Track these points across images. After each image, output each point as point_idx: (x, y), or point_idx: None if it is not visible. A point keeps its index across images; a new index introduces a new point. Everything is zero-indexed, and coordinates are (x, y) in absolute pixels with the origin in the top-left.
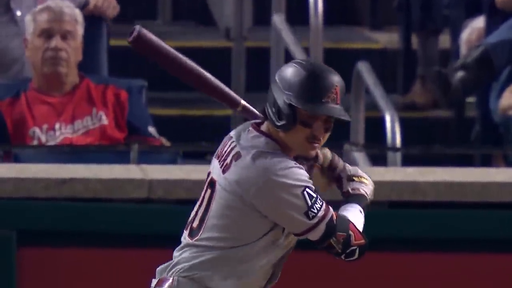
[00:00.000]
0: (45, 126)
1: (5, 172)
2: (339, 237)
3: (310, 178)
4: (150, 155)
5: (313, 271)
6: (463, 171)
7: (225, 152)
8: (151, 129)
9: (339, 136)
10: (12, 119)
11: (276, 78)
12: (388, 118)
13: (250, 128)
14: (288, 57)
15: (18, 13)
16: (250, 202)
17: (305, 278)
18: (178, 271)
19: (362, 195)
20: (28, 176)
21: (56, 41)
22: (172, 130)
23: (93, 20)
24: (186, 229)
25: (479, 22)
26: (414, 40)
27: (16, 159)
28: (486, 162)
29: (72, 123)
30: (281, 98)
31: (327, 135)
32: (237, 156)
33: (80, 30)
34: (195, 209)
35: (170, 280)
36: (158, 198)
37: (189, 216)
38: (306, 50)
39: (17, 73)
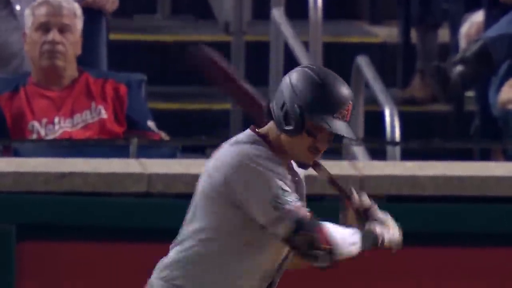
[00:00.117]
0: (44, 120)
1: (4, 166)
2: (303, 235)
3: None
4: (149, 149)
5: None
6: (462, 165)
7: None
8: (150, 123)
9: None
10: (11, 113)
11: (290, 80)
12: (387, 112)
13: (248, 129)
14: (288, 51)
15: (18, 7)
16: (223, 188)
17: (304, 274)
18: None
19: (372, 232)
20: (28, 170)
21: (53, 34)
22: (172, 124)
23: (92, 14)
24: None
25: (479, 16)
26: (414, 34)
27: (16, 153)
28: (485, 156)
29: (71, 117)
30: (292, 103)
31: (327, 146)
32: (220, 148)
33: (79, 24)
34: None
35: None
36: (158, 192)
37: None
38: (306, 44)
39: (17, 68)
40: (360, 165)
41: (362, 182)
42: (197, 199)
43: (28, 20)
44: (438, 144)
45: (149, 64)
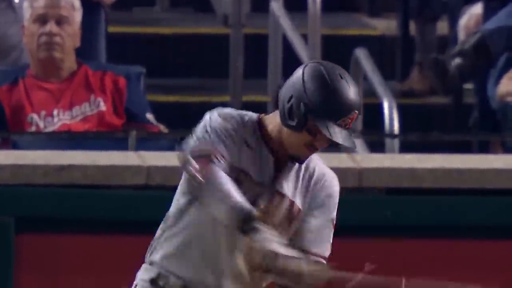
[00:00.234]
0: (43, 113)
1: (3, 159)
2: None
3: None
4: (148, 142)
5: None
6: (461, 157)
7: None
8: (149, 116)
9: None
10: (10, 106)
11: (302, 75)
12: (386, 105)
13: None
14: (286, 44)
15: (16, 0)
16: None
17: None
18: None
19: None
20: (26, 162)
21: (50, 26)
22: (170, 117)
23: (91, 6)
24: None
25: (477, 9)
26: (412, 27)
27: (14, 146)
28: (484, 148)
29: (70, 110)
30: (299, 100)
31: (325, 146)
32: None
33: (77, 16)
34: None
35: None
36: (156, 184)
37: None
38: (304, 37)
39: (16, 60)
40: (359, 157)
41: (361, 175)
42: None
43: (26, 12)
44: (436, 137)
45: (148, 57)
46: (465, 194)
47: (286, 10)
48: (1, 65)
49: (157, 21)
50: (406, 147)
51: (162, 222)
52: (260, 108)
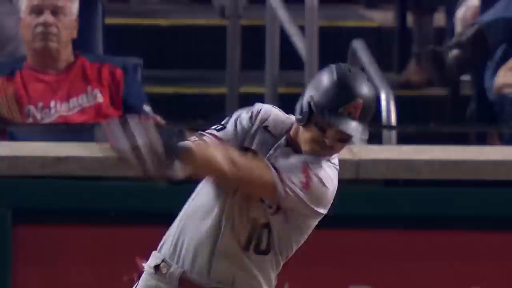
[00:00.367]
0: (40, 104)
1: (0, 150)
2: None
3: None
4: None
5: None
6: (458, 149)
7: None
8: (146, 107)
9: None
10: (7, 98)
11: (318, 72)
12: (383, 96)
13: None
14: (284, 36)
15: None
16: None
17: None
18: None
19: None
20: (24, 154)
21: (46, 16)
22: (167, 109)
23: None
24: None
25: (474, 0)
26: (410, 19)
27: (12, 138)
28: (481, 140)
29: (67, 101)
30: (308, 93)
31: (341, 146)
32: None
33: (73, 7)
34: None
35: None
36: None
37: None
38: (302, 29)
39: (12, 52)
40: (356, 149)
41: (358, 166)
42: None
43: (22, 3)
44: (434, 128)
45: (145, 48)
46: (461, 186)
47: (283, 1)
48: None
49: (154, 13)
50: (403, 139)
51: None
52: (256, 100)
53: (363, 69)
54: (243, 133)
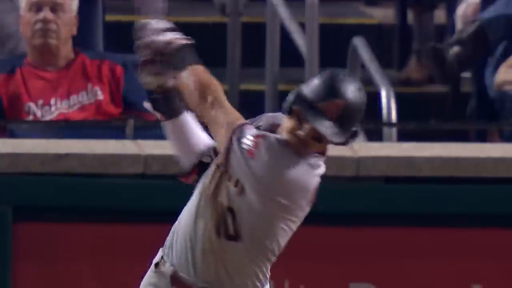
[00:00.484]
0: (40, 102)
1: (0, 147)
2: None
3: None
4: (145, 131)
5: (312, 244)
6: (459, 146)
7: None
8: (147, 104)
9: None
10: (8, 95)
11: None
12: (383, 94)
13: None
14: (284, 33)
15: None
16: None
17: (301, 251)
18: None
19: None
20: (24, 151)
21: (45, 13)
22: None
23: None
24: None
25: None
26: (410, 15)
27: (12, 135)
28: (482, 137)
29: (67, 99)
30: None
31: (317, 146)
32: None
33: (73, 4)
34: None
35: None
36: (154, 173)
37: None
38: (302, 26)
39: (13, 49)
40: (357, 146)
41: (359, 163)
42: None
43: (22, 0)
44: (434, 125)
45: None
46: (462, 183)
47: None
48: None
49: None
50: (404, 136)
51: None
52: (257, 97)
53: (363, 66)
54: None
